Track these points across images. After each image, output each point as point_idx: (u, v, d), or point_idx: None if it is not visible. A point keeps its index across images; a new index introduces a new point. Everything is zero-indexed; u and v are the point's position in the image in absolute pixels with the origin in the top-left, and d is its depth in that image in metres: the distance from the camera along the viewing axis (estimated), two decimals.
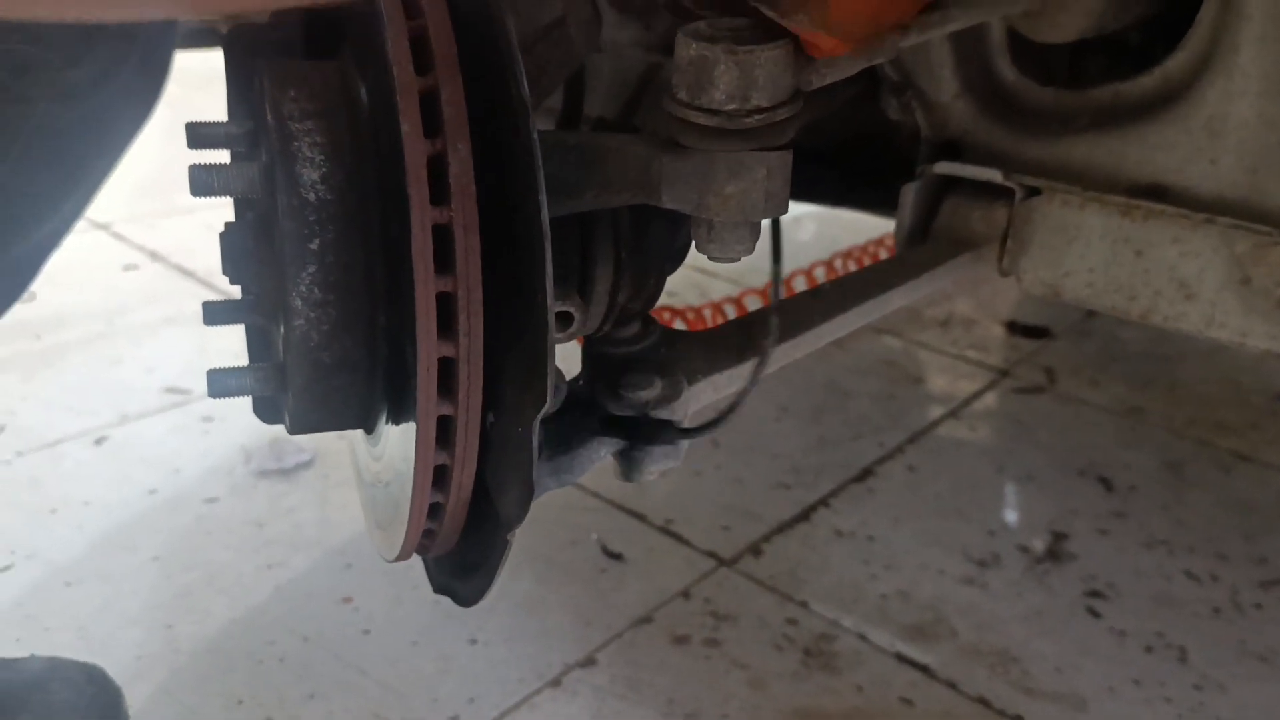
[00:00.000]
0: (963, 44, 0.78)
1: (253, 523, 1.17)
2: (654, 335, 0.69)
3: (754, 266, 1.78)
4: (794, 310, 0.73)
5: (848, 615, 1.09)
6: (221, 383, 0.53)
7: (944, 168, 0.79)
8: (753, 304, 1.67)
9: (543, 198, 0.42)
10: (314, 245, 0.48)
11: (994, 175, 0.77)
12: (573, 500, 1.26)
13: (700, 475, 1.33)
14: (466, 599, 0.58)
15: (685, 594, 1.11)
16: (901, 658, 1.04)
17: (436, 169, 0.43)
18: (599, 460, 0.68)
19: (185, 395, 1.42)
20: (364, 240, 0.48)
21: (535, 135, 0.42)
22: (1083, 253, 0.77)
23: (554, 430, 0.66)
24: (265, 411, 0.65)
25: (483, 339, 0.44)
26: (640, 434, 0.60)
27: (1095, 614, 1.12)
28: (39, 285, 1.79)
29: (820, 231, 2.26)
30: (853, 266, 1.88)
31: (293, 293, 0.48)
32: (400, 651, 1.00)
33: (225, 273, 0.56)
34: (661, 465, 0.68)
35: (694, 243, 0.52)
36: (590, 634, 1.04)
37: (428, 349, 0.44)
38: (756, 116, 0.44)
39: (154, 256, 1.83)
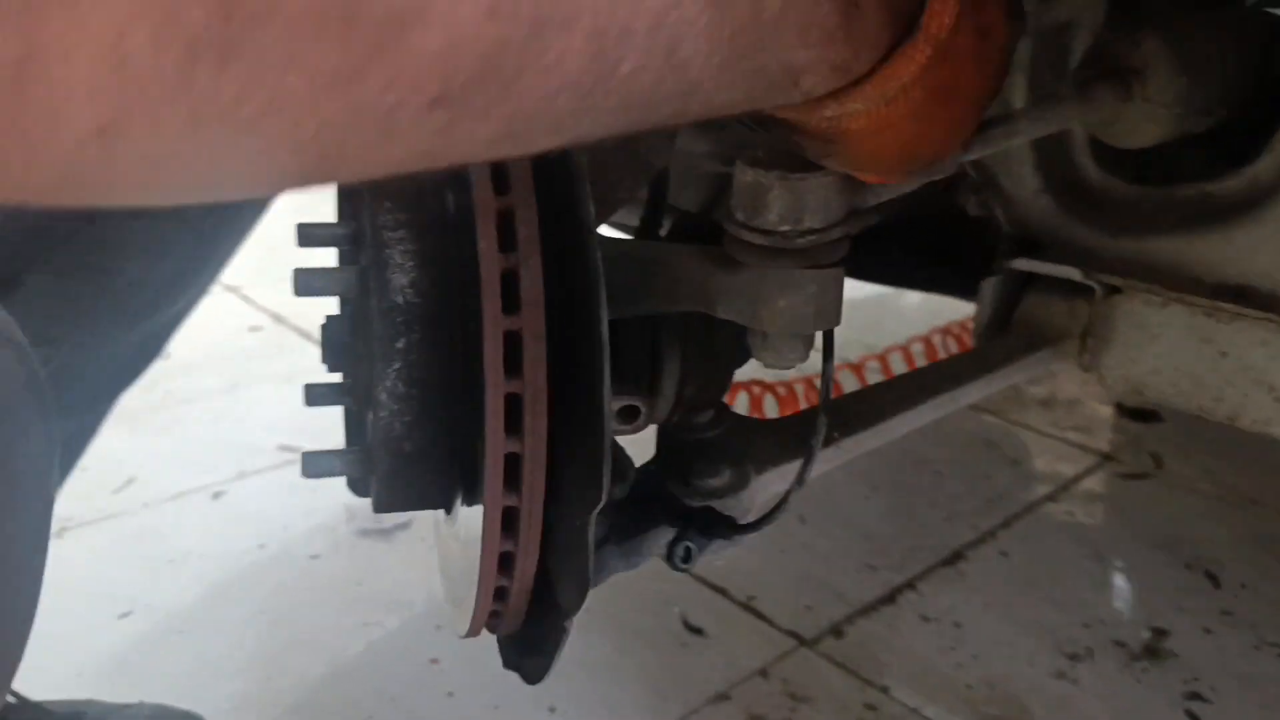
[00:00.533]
0: (1044, 142, 0.79)
1: (352, 581, 1.22)
2: (726, 423, 0.72)
3: (853, 339, 1.78)
4: (866, 402, 0.75)
5: (930, 704, 1.08)
6: (315, 464, 0.57)
7: (1023, 264, 0.80)
8: (847, 378, 1.67)
9: (603, 311, 0.45)
10: (400, 344, 0.52)
11: (1073, 274, 0.77)
12: (657, 570, 1.27)
13: (785, 552, 1.33)
14: (531, 676, 0.61)
15: (763, 673, 1.11)
16: None
17: (509, 282, 0.47)
18: (665, 543, 0.70)
19: (297, 453, 1.49)
20: (445, 342, 0.52)
21: (598, 253, 0.46)
22: (1166, 352, 0.77)
23: (624, 515, 0.68)
24: (357, 487, 0.69)
25: (546, 437, 0.48)
26: (695, 525, 0.62)
27: (1194, 717, 1.07)
28: (172, 344, 1.91)
29: (923, 303, 2.25)
30: (952, 345, 1.87)
31: (379, 386, 0.52)
32: (481, 716, 1.03)
33: (324, 360, 0.61)
34: (727, 550, 0.70)
35: (750, 350, 0.54)
36: (667, 708, 1.05)
37: (495, 446, 0.48)
38: (809, 237, 0.47)
39: (277, 319, 1.94)
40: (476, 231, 0.47)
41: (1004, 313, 0.82)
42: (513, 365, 0.47)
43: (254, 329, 1.92)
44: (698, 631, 1.17)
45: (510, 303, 0.47)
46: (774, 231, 0.47)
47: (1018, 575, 1.31)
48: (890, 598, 1.25)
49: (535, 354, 0.47)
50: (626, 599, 1.22)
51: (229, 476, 1.43)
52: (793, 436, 0.73)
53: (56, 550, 1.27)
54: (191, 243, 0.87)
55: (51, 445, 0.53)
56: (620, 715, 1.04)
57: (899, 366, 1.76)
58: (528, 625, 0.61)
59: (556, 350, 0.48)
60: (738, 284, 0.50)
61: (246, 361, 1.78)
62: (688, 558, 0.63)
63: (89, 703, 0.91)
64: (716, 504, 0.68)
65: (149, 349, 0.91)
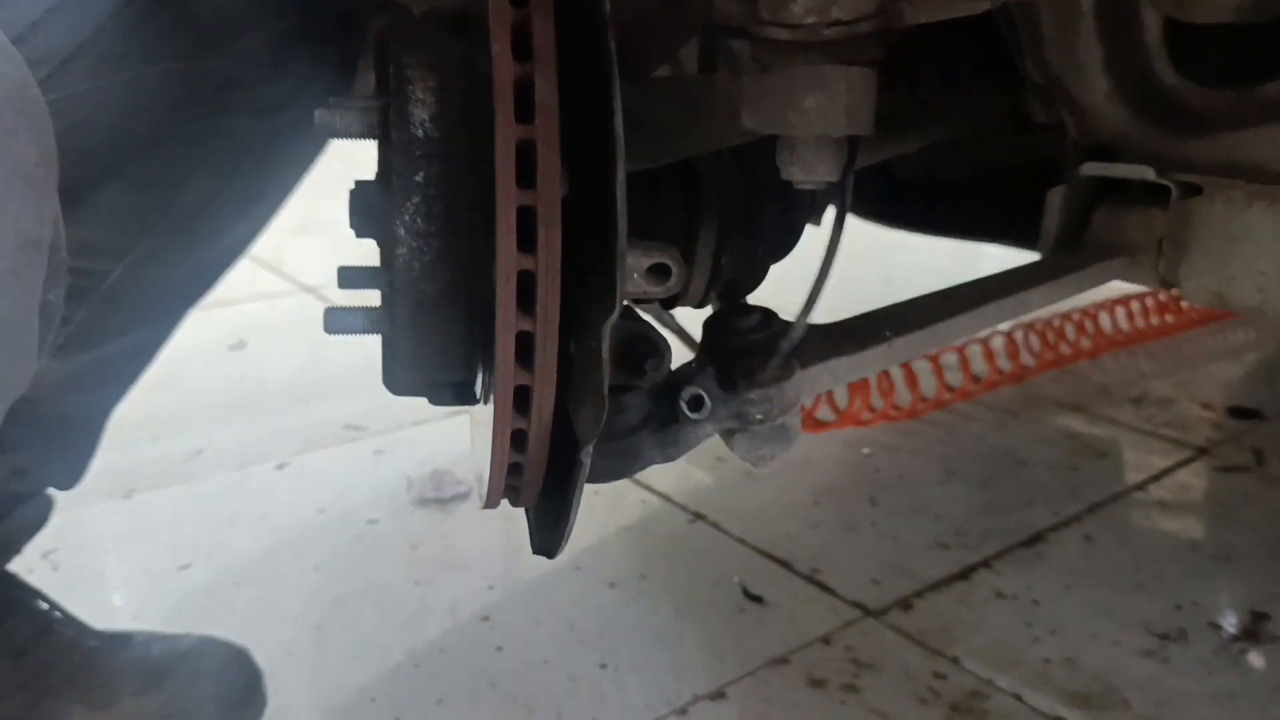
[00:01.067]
0: (1114, 42, 0.75)
1: (408, 544, 1.21)
2: (774, 326, 0.68)
3: None
4: (922, 306, 0.71)
5: (1003, 675, 1.01)
6: (339, 320, 0.56)
7: (1092, 168, 0.76)
8: (924, 371, 1.61)
9: (617, 104, 0.43)
10: (419, 177, 0.51)
11: (1147, 173, 0.73)
12: (717, 544, 1.24)
13: (854, 530, 1.28)
14: (549, 547, 0.58)
15: (826, 640, 1.06)
16: None
17: (524, 89, 0.46)
18: (704, 437, 0.67)
19: (361, 431, 1.50)
20: (467, 179, 0.51)
21: (614, 51, 0.44)
22: (1251, 255, 0.71)
23: (661, 407, 0.66)
24: (393, 382, 0.68)
25: (560, 253, 0.45)
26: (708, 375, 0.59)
27: None
28: (250, 335, 1.96)
29: None
30: (1034, 341, 1.80)
31: (398, 222, 0.51)
32: (530, 669, 1.00)
33: (351, 226, 0.60)
34: (769, 449, 0.67)
35: (780, 167, 0.51)
36: (723, 669, 1.01)
37: (507, 261, 0.46)
38: (836, 29, 0.44)
39: None
40: (490, 37, 0.46)
41: (1073, 225, 0.78)
42: (526, 176, 0.46)
43: None
44: (757, 600, 1.13)
45: (525, 112, 0.46)
46: (800, 24, 0.45)
47: (1103, 559, 1.23)
48: (963, 575, 1.19)
49: (549, 164, 0.45)
50: (685, 569, 1.19)
51: (294, 450, 1.44)
52: (844, 337, 0.70)
53: (122, 510, 1.29)
54: (252, 169, 0.88)
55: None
56: (674, 674, 1.00)
57: (979, 365, 1.70)
58: (547, 498, 0.58)
59: (573, 163, 0.46)
60: (764, 89, 0.48)
61: (319, 354, 1.81)
62: (698, 405, 0.59)
63: (136, 631, 0.91)
64: (759, 395, 0.65)
65: (208, 273, 0.92)
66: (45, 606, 0.87)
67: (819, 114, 0.46)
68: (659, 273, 0.57)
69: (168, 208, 0.84)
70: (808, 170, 0.49)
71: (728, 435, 0.68)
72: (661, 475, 1.40)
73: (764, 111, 0.49)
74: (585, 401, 0.49)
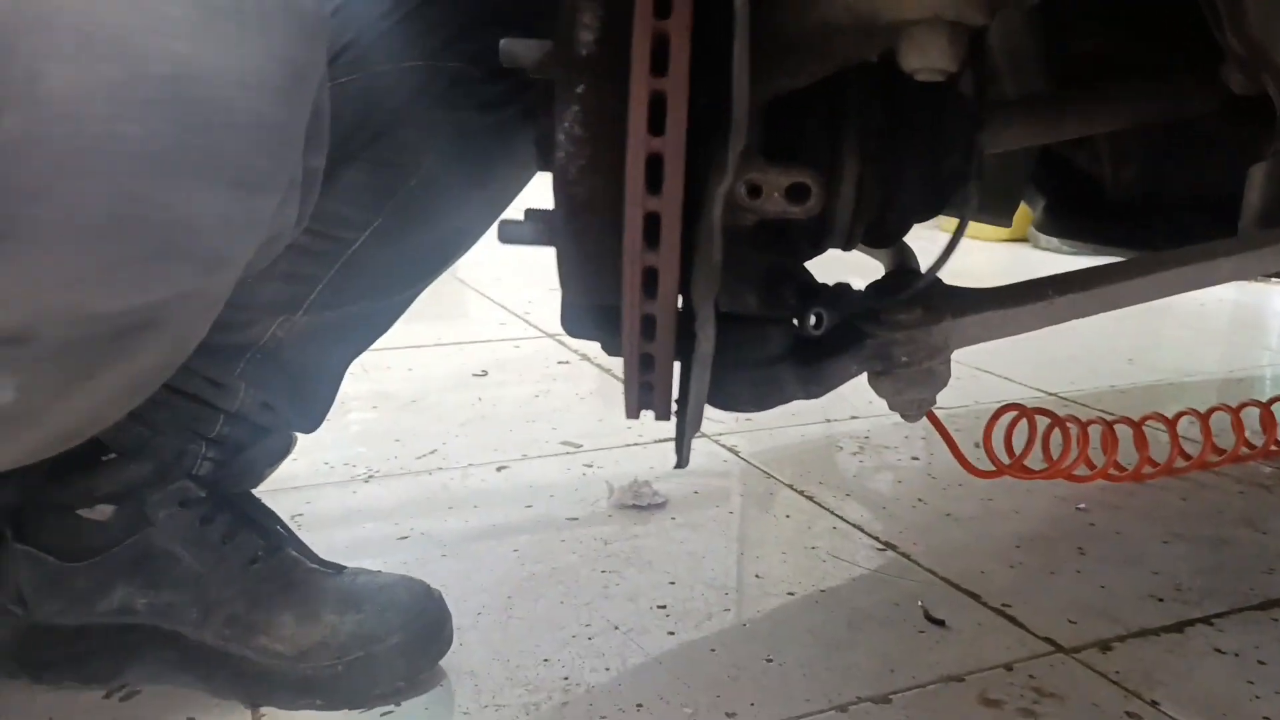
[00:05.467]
0: None
1: (600, 540, 1.27)
2: (930, 280, 0.70)
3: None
4: (1097, 269, 0.70)
5: None
6: (508, 231, 0.64)
7: None
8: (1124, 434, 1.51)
9: None
10: (579, 89, 0.58)
11: None
12: (905, 571, 1.21)
13: (1055, 574, 1.21)
14: (681, 454, 0.61)
15: (1008, 666, 1.01)
16: None
17: None
18: (849, 377, 0.69)
19: (576, 448, 1.59)
20: (619, 94, 0.57)
21: None
22: None
23: (808, 349, 0.69)
24: (566, 315, 0.74)
25: (685, 133, 0.50)
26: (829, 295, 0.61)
27: None
28: (493, 368, 2.12)
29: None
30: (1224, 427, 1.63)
31: (559, 129, 0.58)
32: (697, 654, 1.02)
33: (535, 161, 0.68)
34: (914, 392, 0.68)
35: (899, 60, 0.54)
36: (892, 679, 0.98)
37: (636, 143, 0.52)
38: None
39: (584, 357, 2.10)
40: None
41: (1277, 203, 0.74)
42: (659, 64, 0.51)
43: (562, 362, 2.08)
44: (939, 623, 1.09)
45: (663, 8, 0.52)
46: None
47: None
48: (1177, 627, 1.09)
49: (680, 54, 0.51)
50: (867, 589, 1.17)
51: (513, 457, 1.55)
52: (1003, 294, 0.70)
53: (360, 490, 1.44)
54: (474, 158, 0.99)
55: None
56: (840, 675, 0.98)
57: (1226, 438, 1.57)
58: (682, 408, 0.62)
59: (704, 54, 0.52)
60: None
61: (550, 384, 1.94)
62: (819, 324, 0.61)
63: (349, 566, 1.02)
64: (905, 335, 0.66)
65: (437, 254, 1.03)
66: (280, 529, 0.99)
67: None
68: (798, 193, 0.60)
69: (400, 188, 0.96)
70: (923, 55, 0.52)
71: (875, 378, 0.70)
72: (856, 507, 1.39)
73: None
74: (700, 274, 0.53)
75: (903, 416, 0.71)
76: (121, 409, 0.70)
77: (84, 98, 0.50)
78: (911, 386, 0.67)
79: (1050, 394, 1.94)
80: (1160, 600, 1.15)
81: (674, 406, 0.65)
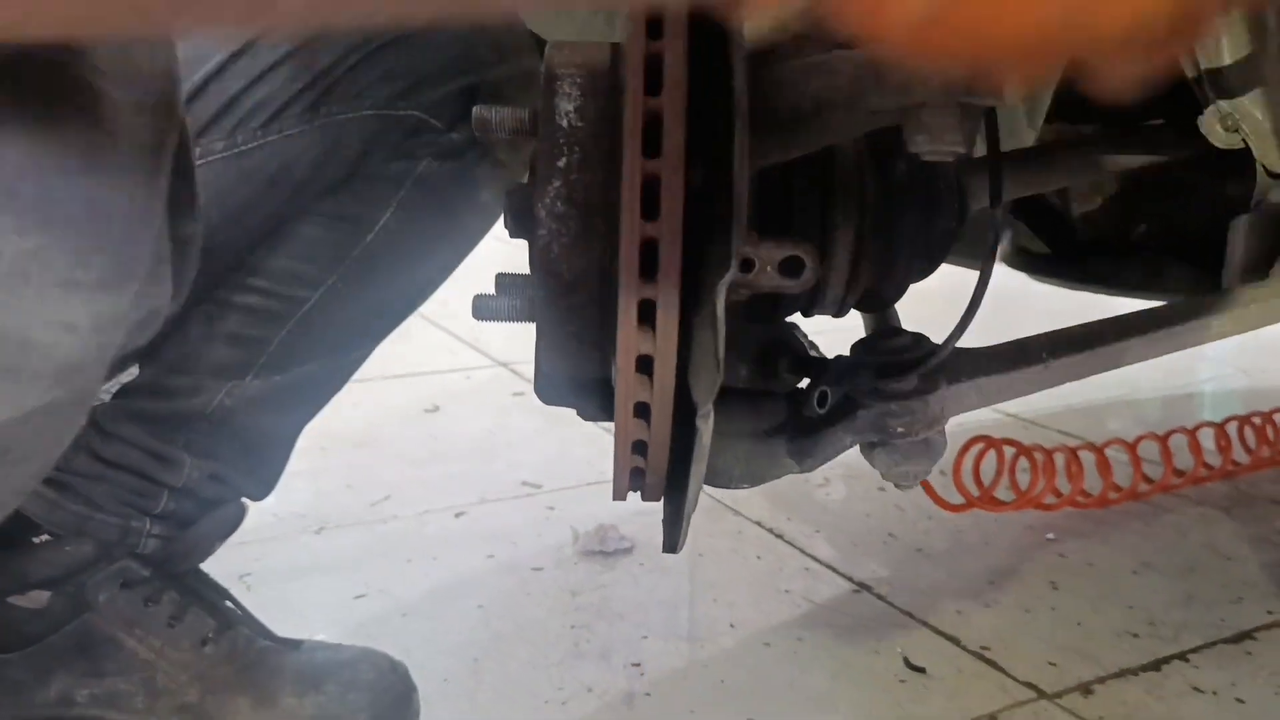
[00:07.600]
0: None
1: (568, 591, 1.23)
2: (925, 349, 0.67)
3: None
4: (1085, 330, 0.68)
5: None
6: (483, 306, 0.60)
7: None
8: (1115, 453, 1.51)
9: (740, 63, 0.45)
10: (561, 163, 0.54)
11: None
12: (881, 615, 1.19)
13: (1031, 613, 1.20)
14: (672, 541, 0.58)
15: (992, 717, 0.99)
16: None
17: (653, 64, 0.48)
18: (843, 449, 0.66)
19: (536, 488, 1.55)
20: (605, 169, 0.54)
21: (741, 31, 0.46)
22: None
23: (802, 423, 0.66)
24: (541, 385, 0.70)
25: (682, 219, 0.47)
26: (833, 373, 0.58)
27: None
28: (444, 402, 2.06)
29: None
30: (1250, 436, 1.65)
31: (539, 206, 0.54)
32: (675, 717, 0.99)
33: (506, 226, 0.64)
34: (911, 465, 0.65)
35: (906, 141, 0.51)
36: None
37: (631, 227, 0.48)
38: None
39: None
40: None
41: (1261, 255, 0.73)
42: (652, 146, 0.48)
43: (517, 394, 2.03)
44: (920, 670, 1.07)
45: (654, 86, 0.48)
46: None
47: None
48: (1155, 665, 1.09)
49: (674, 132, 0.48)
50: (845, 636, 1.14)
51: (472, 500, 1.50)
52: (996, 357, 0.68)
53: (312, 544, 1.37)
54: (435, 210, 0.94)
55: None
56: None
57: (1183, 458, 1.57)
58: (673, 492, 0.58)
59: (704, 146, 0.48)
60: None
61: (505, 418, 1.89)
62: (823, 401, 0.58)
63: (306, 640, 0.96)
64: (900, 406, 0.64)
65: (395, 309, 0.98)
66: (230, 605, 0.94)
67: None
68: (792, 267, 0.57)
69: (357, 243, 0.91)
70: (933, 139, 0.49)
71: (869, 449, 0.67)
72: (826, 546, 1.36)
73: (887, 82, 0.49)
74: (701, 367, 0.50)
75: (896, 486, 0.68)
76: None
77: None
78: (908, 459, 0.64)
79: (1010, 415, 1.94)
80: (1136, 636, 1.14)
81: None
